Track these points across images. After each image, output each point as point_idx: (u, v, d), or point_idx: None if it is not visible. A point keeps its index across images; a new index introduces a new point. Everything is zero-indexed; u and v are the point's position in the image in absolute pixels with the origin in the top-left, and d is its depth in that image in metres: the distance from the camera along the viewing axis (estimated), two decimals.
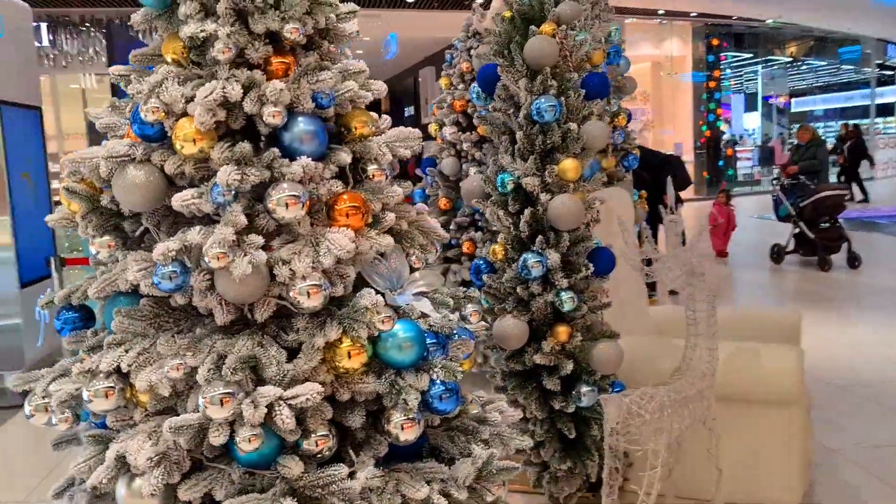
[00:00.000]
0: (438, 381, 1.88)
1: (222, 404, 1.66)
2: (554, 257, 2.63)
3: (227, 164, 1.77)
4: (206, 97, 1.75)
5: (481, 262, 2.86)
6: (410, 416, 1.84)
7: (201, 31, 1.82)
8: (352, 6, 2.13)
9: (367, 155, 2.01)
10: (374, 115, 2.17)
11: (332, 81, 1.88)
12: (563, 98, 2.68)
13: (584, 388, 2.74)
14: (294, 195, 1.76)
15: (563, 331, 2.72)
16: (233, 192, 1.76)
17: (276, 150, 1.80)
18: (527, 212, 2.68)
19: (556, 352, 2.73)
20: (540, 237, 2.68)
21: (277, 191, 1.75)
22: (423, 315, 1.96)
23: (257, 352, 1.75)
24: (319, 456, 1.82)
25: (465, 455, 1.99)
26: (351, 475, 1.79)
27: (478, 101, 3.11)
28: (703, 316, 2.78)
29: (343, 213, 1.86)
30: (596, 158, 3.01)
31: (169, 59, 1.92)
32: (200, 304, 1.81)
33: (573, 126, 2.67)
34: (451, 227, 4.99)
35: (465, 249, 5.05)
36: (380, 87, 2.13)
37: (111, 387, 1.78)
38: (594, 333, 2.78)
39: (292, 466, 1.75)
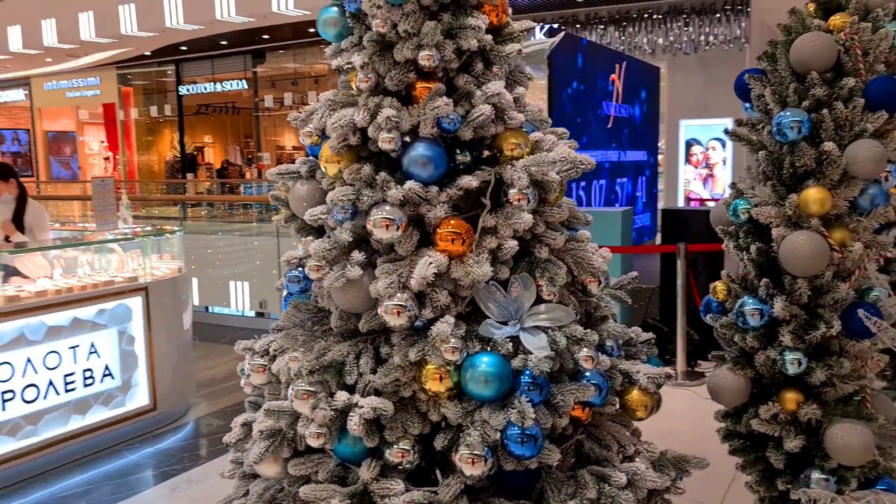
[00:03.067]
0: (516, 424, 1.78)
1: (303, 399, 1.87)
2: (778, 306, 2.12)
3: (353, 184, 1.94)
4: (334, 123, 1.94)
5: (713, 299, 2.45)
6: (476, 452, 1.79)
7: (347, 63, 2.02)
8: (523, 24, 2.09)
9: (507, 179, 1.97)
10: (539, 135, 2.10)
11: (449, 107, 1.89)
12: (826, 110, 2.12)
13: (815, 475, 2.17)
14: (389, 218, 1.85)
15: (791, 397, 2.19)
16: (349, 212, 1.93)
17: (384, 175, 1.90)
18: (753, 248, 2.21)
19: (783, 421, 2.21)
20: (766, 280, 2.19)
21: (376, 212, 1.86)
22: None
23: (347, 359, 1.90)
24: (404, 467, 1.91)
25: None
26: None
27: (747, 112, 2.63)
28: None
29: (443, 238, 1.87)
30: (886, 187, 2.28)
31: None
32: (327, 307, 2.04)
33: (830, 146, 2.09)
34: None
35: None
36: (537, 106, 2.05)
37: (263, 364, 2.13)
38: (842, 409, 2.16)
39: (366, 470, 1.88)
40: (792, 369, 2.16)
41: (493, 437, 1.80)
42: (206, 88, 17.03)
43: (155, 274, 4.52)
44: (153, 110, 18.23)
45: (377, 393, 1.88)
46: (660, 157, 11.95)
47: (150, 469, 4.13)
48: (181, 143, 18.12)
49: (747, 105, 2.54)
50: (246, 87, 16.36)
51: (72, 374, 4.04)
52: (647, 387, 2.15)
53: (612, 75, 8.65)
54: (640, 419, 2.21)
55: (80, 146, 20.61)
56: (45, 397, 3.92)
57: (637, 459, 2.14)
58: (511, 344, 1.87)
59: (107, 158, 20.15)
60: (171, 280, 4.60)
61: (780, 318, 2.17)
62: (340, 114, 1.96)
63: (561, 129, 2.34)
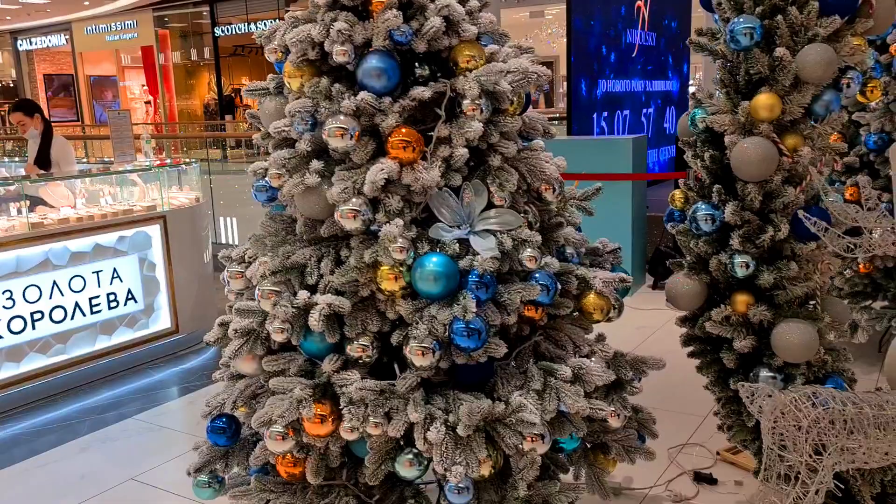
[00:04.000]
0: (461, 318, 1.90)
1: (268, 298, 2.02)
2: (728, 211, 2.17)
3: (313, 97, 2.05)
4: (293, 38, 2.04)
5: (674, 208, 2.51)
6: (423, 345, 1.92)
7: None
8: None
9: (459, 89, 2.05)
10: (494, 47, 2.17)
11: (399, 20, 1.97)
12: (780, 16, 2.12)
13: (763, 373, 2.26)
14: (343, 127, 1.95)
15: (742, 300, 2.26)
16: (309, 123, 2.04)
17: (339, 86, 2.00)
18: (707, 155, 2.25)
19: (734, 323, 2.29)
20: (718, 187, 2.23)
21: (331, 122, 1.97)
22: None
23: (309, 262, 2.04)
24: (364, 362, 2.06)
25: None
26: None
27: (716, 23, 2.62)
28: None
29: (394, 146, 1.97)
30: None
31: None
32: (295, 215, 2.17)
33: (782, 52, 2.10)
34: (839, 167, 4.21)
35: (847, 195, 4.23)
36: (488, 19, 2.11)
37: (240, 271, 2.29)
38: (791, 310, 2.23)
39: (328, 363, 2.04)
40: (741, 272, 2.23)
41: (440, 331, 1.93)
42: (240, 29, 17.10)
43: (173, 203, 4.73)
44: (192, 53, 18.42)
45: (338, 293, 2.03)
46: (692, 87, 11.72)
47: (174, 385, 4.42)
48: (218, 85, 18.32)
49: (716, 16, 2.55)
50: None
51: (97, 297, 4.30)
52: (602, 291, 2.25)
53: (638, 2, 8.46)
54: (597, 321, 2.32)
55: (121, 91, 20.99)
56: (72, 318, 4.20)
57: (592, 359, 2.26)
58: (458, 245, 1.99)
59: (147, 102, 20.51)
60: (189, 209, 4.80)
61: (731, 222, 2.23)
62: (299, 29, 2.05)
63: (528, 45, 2.40)
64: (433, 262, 1.94)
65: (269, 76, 2.28)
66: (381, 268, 1.98)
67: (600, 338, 2.42)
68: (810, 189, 2.20)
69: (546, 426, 2.00)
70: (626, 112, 8.42)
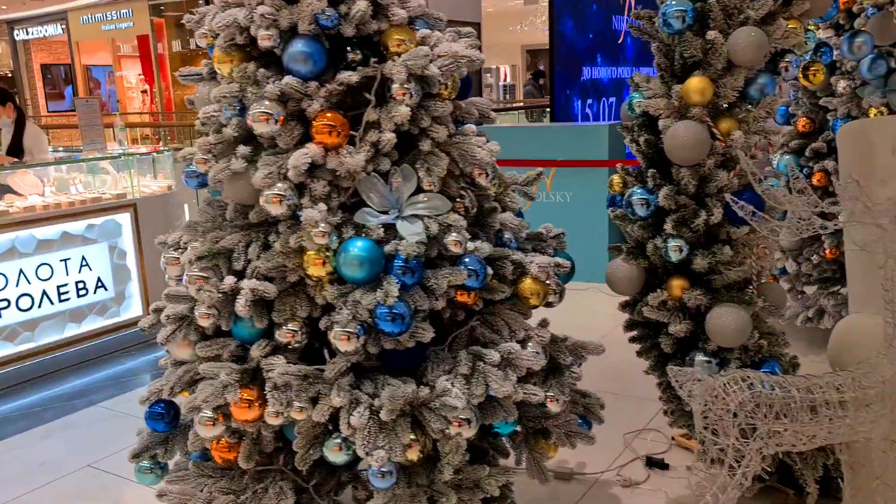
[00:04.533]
0: (383, 303, 1.91)
1: (194, 283, 2.03)
2: (662, 195, 2.17)
3: (240, 82, 2.04)
4: (219, 23, 2.03)
5: (615, 193, 2.50)
6: (347, 330, 1.92)
7: None
8: None
9: (387, 74, 2.04)
10: (426, 32, 2.16)
11: (323, 3, 1.96)
12: None
13: (699, 357, 2.25)
14: (267, 112, 1.95)
15: (677, 284, 2.25)
16: (237, 108, 2.04)
17: (264, 71, 1.99)
18: (642, 140, 2.24)
19: (671, 307, 2.29)
20: (652, 171, 2.22)
21: (255, 107, 1.96)
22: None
23: (237, 247, 2.05)
24: (294, 347, 2.06)
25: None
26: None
27: None
28: None
29: (319, 130, 1.97)
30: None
31: None
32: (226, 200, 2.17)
33: (713, 34, 2.09)
34: (807, 153, 4.19)
35: (814, 181, 4.21)
36: (417, 3, 2.10)
37: (175, 257, 2.29)
38: (728, 295, 2.23)
39: (256, 349, 2.04)
40: (675, 256, 2.23)
41: (364, 316, 1.93)
42: None
43: (143, 191, 4.73)
44: (190, 42, 18.35)
45: (267, 279, 2.03)
46: None
47: (145, 373, 4.43)
48: None
49: None
50: None
51: (65, 285, 4.31)
52: (538, 276, 2.25)
53: None
54: (534, 306, 2.32)
55: (118, 80, 20.95)
56: (39, 306, 4.21)
57: (529, 344, 2.25)
58: (384, 230, 1.98)
59: (144, 91, 20.47)
60: (161, 197, 4.80)
61: (665, 207, 2.22)
62: (226, 13, 2.04)
63: (467, 29, 2.39)
64: (357, 247, 1.94)
65: (203, 61, 2.28)
66: (308, 253, 1.98)
67: (543, 323, 2.42)
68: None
69: (474, 410, 2.01)
70: (612, 99, 8.38)
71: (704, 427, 2.12)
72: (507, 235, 2.34)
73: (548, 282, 2.31)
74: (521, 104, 15.15)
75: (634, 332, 2.50)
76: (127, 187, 4.72)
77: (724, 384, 2.06)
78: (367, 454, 1.90)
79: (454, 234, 1.98)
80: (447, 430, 1.96)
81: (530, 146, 5.92)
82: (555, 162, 5.82)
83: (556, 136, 5.96)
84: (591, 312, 4.74)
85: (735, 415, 2.04)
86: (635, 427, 3.31)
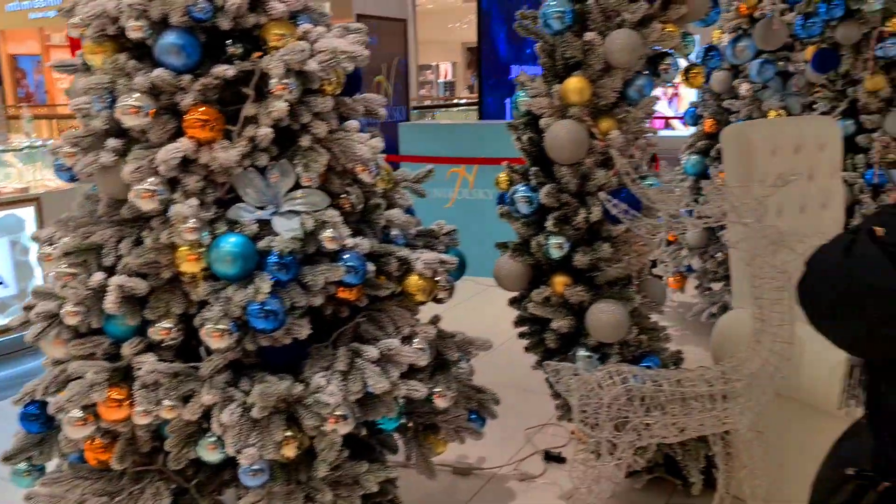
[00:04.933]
0: (254, 300, 1.89)
1: (62, 280, 1.97)
2: (543, 193, 2.20)
3: (110, 74, 1.99)
4: (89, 13, 1.98)
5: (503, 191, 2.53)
6: (219, 327, 1.90)
7: None
8: None
9: (265, 69, 2.01)
10: (308, 26, 2.14)
11: None
12: (593, 0, 2.15)
13: (581, 352, 2.31)
14: (136, 105, 1.90)
15: (559, 281, 2.30)
16: (107, 100, 1.99)
17: (134, 63, 1.95)
18: (525, 138, 2.28)
19: (554, 304, 2.33)
20: (535, 169, 2.26)
21: (123, 99, 1.92)
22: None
23: (107, 243, 2.00)
24: (168, 344, 2.02)
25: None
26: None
27: None
28: (768, 301, 2.09)
29: (191, 125, 1.93)
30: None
31: None
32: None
33: (591, 36, 2.13)
34: (712, 153, 4.31)
35: (719, 180, 4.31)
36: None
37: (49, 253, 2.21)
38: (608, 291, 2.28)
39: (128, 347, 2.00)
40: (556, 253, 2.27)
41: (236, 313, 1.91)
42: None
43: (48, 185, 4.58)
44: None
45: (141, 275, 1.98)
46: None
47: None
48: None
49: None
50: None
51: None
52: (424, 272, 2.26)
53: None
54: (421, 303, 2.33)
55: (46, 71, 20.22)
56: None
57: (415, 340, 2.26)
58: (259, 226, 1.96)
59: None
60: (68, 192, 4.64)
61: (546, 204, 2.26)
62: (95, 3, 1.99)
63: (356, 25, 2.38)
64: (229, 243, 1.91)
65: (77, 52, 2.21)
66: (180, 249, 1.95)
67: (435, 319, 2.44)
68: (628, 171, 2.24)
69: (351, 407, 2.01)
70: None
71: (582, 421, 2.16)
72: (394, 232, 2.34)
73: (437, 278, 2.32)
74: (464, 100, 15.17)
75: (524, 328, 2.54)
76: (31, 181, 4.56)
77: (599, 379, 2.11)
78: (237, 452, 1.88)
79: (330, 231, 1.97)
80: (323, 427, 1.96)
81: (456, 144, 5.94)
82: (479, 159, 5.86)
83: (479, 134, 5.99)
84: (501, 309, 4.80)
85: (609, 408, 2.08)
86: (538, 422, 3.36)
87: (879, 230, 1.12)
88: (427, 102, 13.83)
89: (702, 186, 1.99)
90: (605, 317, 2.22)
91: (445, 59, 19.60)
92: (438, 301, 2.40)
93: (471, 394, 2.54)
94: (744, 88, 4.07)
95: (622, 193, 2.15)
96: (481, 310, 4.37)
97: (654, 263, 4.55)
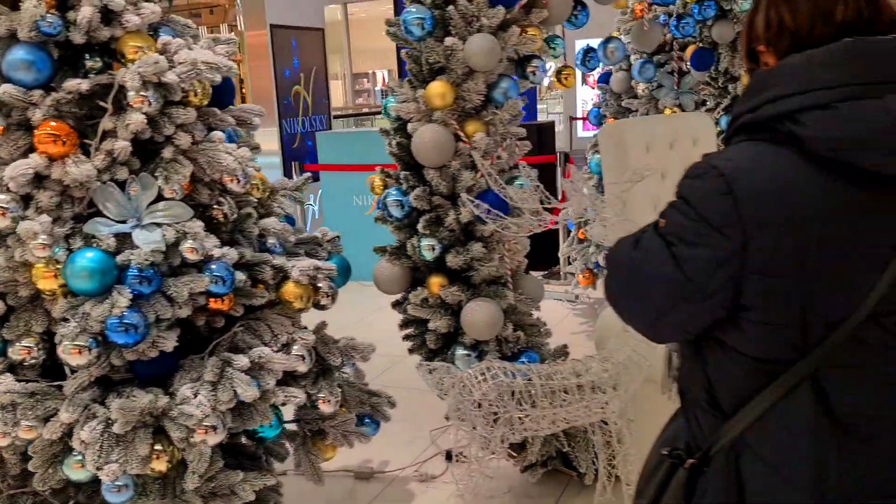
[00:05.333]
0: (111, 314, 1.87)
1: None
2: (412, 196, 2.25)
3: None
4: None
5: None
6: (77, 343, 1.88)
7: None
8: None
9: (121, 81, 2.00)
10: (167, 39, 2.13)
11: (41, 10, 1.91)
12: (452, 6, 2.20)
13: (459, 351, 2.35)
14: None
15: (435, 282, 2.35)
16: None
17: None
18: (394, 142, 2.32)
19: (433, 304, 2.38)
20: (405, 173, 2.31)
21: None
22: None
23: None
24: (31, 364, 1.99)
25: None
26: None
27: None
28: None
29: (41, 140, 1.92)
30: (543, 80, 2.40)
31: None
32: None
33: (451, 41, 2.18)
34: None
35: None
36: (151, 10, 2.08)
37: None
38: (486, 290, 2.33)
39: None
40: (428, 255, 2.31)
41: (95, 328, 1.89)
42: None
43: None
44: None
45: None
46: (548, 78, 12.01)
47: None
48: None
49: None
50: None
51: None
52: (300, 279, 2.27)
53: None
54: (300, 310, 2.34)
55: None
56: None
57: (295, 347, 2.27)
58: (116, 239, 1.95)
59: None
60: None
61: (418, 207, 2.30)
62: None
63: (227, 36, 2.39)
64: (85, 258, 1.90)
65: None
66: (36, 266, 1.92)
67: (321, 326, 2.45)
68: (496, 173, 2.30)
69: (223, 417, 2.01)
70: None
71: (459, 419, 2.20)
72: (271, 241, 2.35)
73: (319, 285, 2.34)
74: None
75: (409, 330, 2.57)
76: None
77: (470, 376, 2.15)
78: (97, 469, 1.86)
79: (190, 242, 1.97)
80: (191, 439, 1.95)
81: (373, 151, 5.94)
82: (394, 166, 5.87)
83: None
84: None
85: (480, 405, 2.13)
86: (444, 423, 3.39)
87: (662, 221, 1.18)
88: (365, 110, 13.86)
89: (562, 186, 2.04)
90: (477, 315, 2.27)
91: (381, 66, 19.61)
92: (321, 308, 2.42)
93: (364, 398, 2.56)
94: (640, 88, 4.19)
95: (490, 194, 2.20)
96: (394, 315, 4.40)
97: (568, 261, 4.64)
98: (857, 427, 1.09)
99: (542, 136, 5.82)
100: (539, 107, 14.47)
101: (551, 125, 6.60)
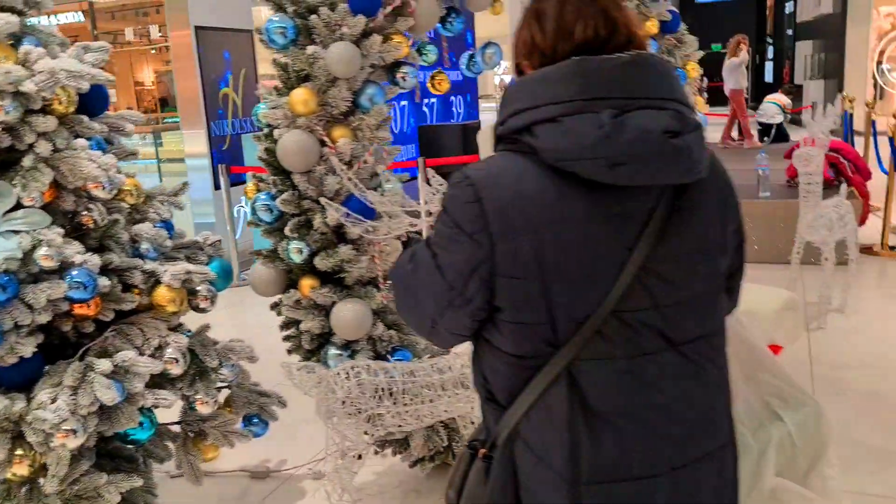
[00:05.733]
0: None
1: None
2: (279, 201, 2.31)
3: None
4: None
5: None
6: None
7: None
8: None
9: None
10: (29, 48, 2.15)
11: None
12: (315, 15, 2.26)
13: (331, 351, 2.42)
14: None
15: (306, 284, 2.41)
16: None
17: None
18: (262, 148, 2.38)
19: (306, 306, 2.44)
20: (273, 178, 2.37)
21: None
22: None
23: None
24: None
25: None
26: None
27: None
28: None
29: None
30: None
31: None
32: None
33: (313, 49, 2.24)
34: None
35: None
36: (6, 21, 2.10)
37: None
38: (359, 291, 2.40)
39: None
40: (296, 258, 2.37)
41: None
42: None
43: None
44: None
45: None
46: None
47: None
48: None
49: None
50: (83, 19, 15.42)
51: None
52: (171, 284, 2.31)
53: None
54: (174, 313, 2.38)
55: None
56: None
57: (168, 350, 2.31)
58: None
59: None
60: None
61: (285, 211, 2.35)
62: None
63: (98, 44, 2.41)
64: None
65: None
66: None
67: (204, 328, 2.49)
68: (364, 176, 2.37)
69: (84, 420, 2.04)
70: (406, 103, 8.62)
71: (323, 416, 2.26)
72: (144, 246, 2.38)
73: (198, 288, 2.38)
74: None
75: (288, 331, 2.62)
76: None
77: (334, 374, 2.22)
78: None
79: (44, 249, 2.00)
80: (50, 443, 1.98)
81: None
82: None
83: None
84: None
85: (343, 403, 2.19)
86: None
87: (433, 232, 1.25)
88: None
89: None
90: (344, 315, 2.33)
91: None
92: (200, 311, 2.45)
93: (252, 398, 2.61)
94: None
95: (352, 199, 2.27)
96: None
97: None
98: (606, 414, 1.17)
99: (466, 135, 5.90)
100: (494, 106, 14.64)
101: (476, 125, 6.69)
